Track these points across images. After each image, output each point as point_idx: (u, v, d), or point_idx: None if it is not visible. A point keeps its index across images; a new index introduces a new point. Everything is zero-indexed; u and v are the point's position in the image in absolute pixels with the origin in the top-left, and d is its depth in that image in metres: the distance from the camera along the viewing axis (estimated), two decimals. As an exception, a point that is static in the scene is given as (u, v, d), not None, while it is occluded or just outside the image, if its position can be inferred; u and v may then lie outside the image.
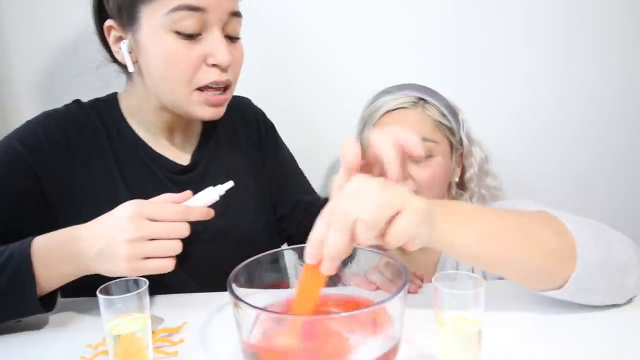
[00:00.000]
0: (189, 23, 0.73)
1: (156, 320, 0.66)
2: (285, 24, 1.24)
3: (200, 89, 0.76)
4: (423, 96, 0.98)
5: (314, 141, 1.24)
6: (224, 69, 0.76)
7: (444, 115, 0.98)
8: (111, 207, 0.66)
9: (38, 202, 0.77)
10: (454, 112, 1.01)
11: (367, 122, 1.01)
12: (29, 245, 0.65)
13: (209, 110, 0.78)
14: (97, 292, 0.53)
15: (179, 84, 0.75)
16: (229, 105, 0.84)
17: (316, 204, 0.95)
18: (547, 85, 1.26)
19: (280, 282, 0.69)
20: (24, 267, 0.64)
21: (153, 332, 0.62)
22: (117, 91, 0.88)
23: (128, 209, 0.64)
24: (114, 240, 0.63)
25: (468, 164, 1.03)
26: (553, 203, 1.00)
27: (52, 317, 0.72)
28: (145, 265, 0.63)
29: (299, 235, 0.97)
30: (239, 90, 0.98)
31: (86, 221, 0.66)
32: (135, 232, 0.62)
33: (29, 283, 0.64)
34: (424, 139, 0.94)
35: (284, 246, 0.79)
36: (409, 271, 0.57)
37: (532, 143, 1.28)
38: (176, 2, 0.72)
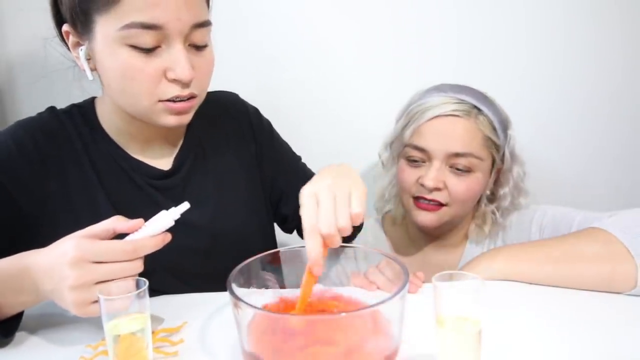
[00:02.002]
0: (144, 39, 0.66)
1: (156, 320, 0.66)
2: (281, 24, 1.25)
3: (162, 100, 0.72)
4: (478, 105, 0.91)
5: (310, 141, 1.24)
6: (185, 84, 0.70)
7: (494, 130, 0.92)
8: (92, 218, 0.63)
9: (16, 220, 0.73)
10: (504, 127, 0.95)
11: (411, 120, 0.93)
12: None
13: (172, 118, 0.73)
14: (97, 292, 0.53)
15: (139, 97, 0.70)
16: (213, 103, 0.81)
17: None
18: (547, 85, 1.26)
19: (279, 282, 0.69)
20: None
21: (153, 332, 0.62)
22: (94, 96, 0.84)
23: (69, 252, 0.57)
24: (59, 285, 0.57)
25: (504, 180, 0.97)
26: (552, 203, 1.01)
27: (52, 317, 0.71)
28: (97, 308, 0.57)
29: None
30: (234, 89, 0.98)
31: (67, 234, 0.61)
32: (77, 280, 0.56)
33: None
34: (470, 155, 0.89)
35: (282, 247, 0.78)
36: (409, 271, 0.57)
37: (531, 143, 1.28)
38: (129, 19, 0.65)
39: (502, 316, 0.65)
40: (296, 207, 0.95)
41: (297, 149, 1.02)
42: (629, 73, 1.25)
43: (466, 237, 1.02)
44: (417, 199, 0.93)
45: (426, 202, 0.92)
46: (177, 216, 0.62)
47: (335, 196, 0.59)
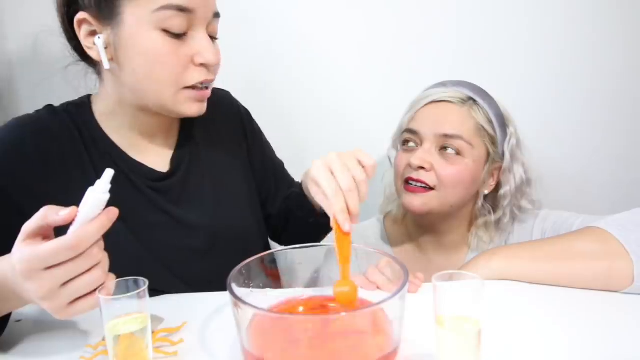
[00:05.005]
0: (177, 22, 0.70)
1: (156, 320, 0.66)
2: (280, 23, 1.25)
3: (186, 87, 0.74)
4: (475, 97, 0.95)
5: (300, 143, 1.24)
6: (210, 68, 0.75)
7: (489, 121, 0.94)
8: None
9: (18, 222, 0.67)
10: (502, 123, 0.96)
11: (411, 107, 0.98)
12: None
13: (194, 106, 0.76)
14: (97, 292, 0.53)
15: (165, 83, 0.73)
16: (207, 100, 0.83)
17: (299, 195, 0.91)
18: (547, 85, 1.26)
19: (279, 282, 0.69)
20: None
21: (153, 332, 0.62)
22: (90, 94, 0.83)
23: (16, 265, 0.53)
24: (29, 296, 0.55)
25: (505, 180, 0.98)
26: (552, 203, 1.01)
27: (52, 317, 0.71)
28: (77, 308, 0.55)
29: (286, 226, 0.98)
30: (232, 89, 0.98)
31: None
32: (39, 291, 0.53)
33: None
34: (460, 137, 0.91)
35: (283, 247, 0.79)
36: (408, 271, 0.57)
37: (531, 142, 1.28)
38: (164, 1, 0.69)
39: (502, 316, 0.65)
40: (280, 207, 0.96)
41: (297, 149, 1.02)
42: (629, 72, 1.24)
43: (467, 244, 1.02)
44: (406, 182, 0.94)
45: (414, 183, 0.93)
46: (107, 187, 0.55)
47: (346, 161, 0.66)
